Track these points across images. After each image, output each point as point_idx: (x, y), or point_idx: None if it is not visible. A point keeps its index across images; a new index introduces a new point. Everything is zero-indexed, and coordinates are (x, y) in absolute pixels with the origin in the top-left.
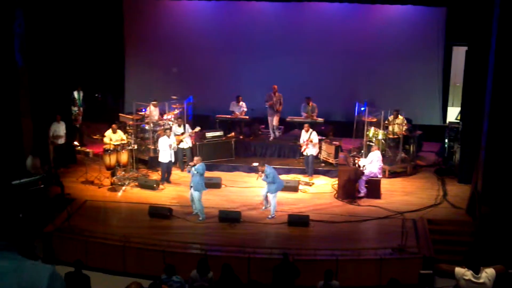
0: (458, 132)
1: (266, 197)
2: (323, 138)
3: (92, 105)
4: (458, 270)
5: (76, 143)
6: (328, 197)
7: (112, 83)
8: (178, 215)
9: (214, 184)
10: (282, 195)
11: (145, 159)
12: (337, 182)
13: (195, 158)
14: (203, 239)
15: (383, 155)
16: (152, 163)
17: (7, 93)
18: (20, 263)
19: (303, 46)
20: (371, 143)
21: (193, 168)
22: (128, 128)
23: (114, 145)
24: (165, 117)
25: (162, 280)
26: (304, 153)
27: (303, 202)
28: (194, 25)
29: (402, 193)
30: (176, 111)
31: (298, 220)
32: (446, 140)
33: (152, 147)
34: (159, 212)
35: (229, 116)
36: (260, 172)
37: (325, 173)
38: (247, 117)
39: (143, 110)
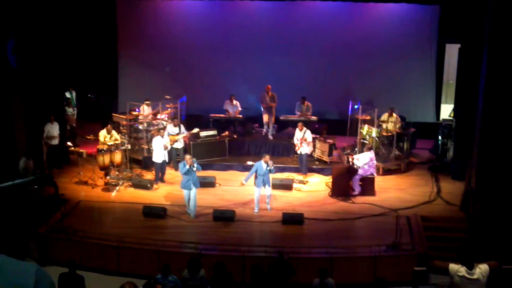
0: (452, 129)
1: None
2: (317, 136)
3: (85, 105)
4: (452, 266)
5: (69, 143)
6: (322, 195)
7: (105, 83)
8: (172, 215)
9: (208, 183)
10: (277, 193)
11: (139, 159)
12: (331, 180)
13: (187, 157)
14: (198, 238)
15: (377, 153)
16: (146, 163)
17: (0, 94)
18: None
19: (297, 44)
20: (365, 141)
21: (195, 165)
22: (121, 128)
23: (108, 145)
24: (158, 116)
25: (157, 280)
26: (298, 152)
27: (298, 200)
28: (187, 24)
29: (396, 190)
30: (169, 111)
31: (292, 218)
32: (440, 137)
33: (146, 147)
34: (153, 212)
35: (223, 115)
36: (271, 162)
37: (319, 171)
38: (241, 116)
39: (137, 110)
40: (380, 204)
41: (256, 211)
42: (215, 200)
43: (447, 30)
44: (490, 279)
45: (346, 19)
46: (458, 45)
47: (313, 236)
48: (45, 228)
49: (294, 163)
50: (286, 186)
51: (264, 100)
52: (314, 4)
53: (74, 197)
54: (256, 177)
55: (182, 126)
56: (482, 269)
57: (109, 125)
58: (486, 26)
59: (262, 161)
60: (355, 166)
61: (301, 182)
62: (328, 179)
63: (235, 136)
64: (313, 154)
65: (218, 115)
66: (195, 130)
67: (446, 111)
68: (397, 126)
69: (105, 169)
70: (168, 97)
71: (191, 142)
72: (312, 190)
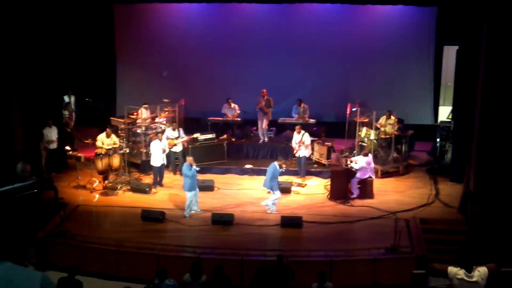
0: (450, 131)
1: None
2: (315, 139)
3: (83, 110)
4: (451, 269)
5: (67, 147)
6: (321, 198)
7: (103, 87)
8: (171, 219)
9: (206, 187)
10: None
11: (137, 162)
12: (329, 183)
13: (191, 158)
14: (196, 242)
15: (375, 155)
16: (145, 166)
17: None
18: (11, 271)
19: (295, 47)
20: (363, 144)
21: (195, 168)
22: (119, 132)
23: (106, 149)
24: (157, 120)
25: (155, 285)
26: (297, 155)
27: (296, 203)
28: (185, 28)
29: (394, 193)
30: (166, 113)
31: (291, 222)
32: (438, 139)
33: (144, 151)
34: (152, 216)
35: (221, 118)
36: (284, 166)
37: (317, 174)
38: (239, 119)
39: (135, 114)
40: (378, 207)
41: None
42: (213, 203)
43: (445, 32)
44: (489, 281)
45: (344, 22)
46: (456, 47)
47: (312, 239)
48: (44, 233)
49: (292, 166)
50: (285, 189)
51: (259, 103)
52: (311, 6)
53: (73, 201)
54: (271, 180)
55: (181, 130)
56: (481, 271)
57: (108, 129)
58: (484, 28)
59: (276, 164)
60: (353, 169)
61: (300, 185)
62: (327, 182)
63: (233, 140)
64: (311, 157)
65: (216, 118)
66: (196, 135)
67: (444, 113)
68: (395, 128)
69: (104, 173)
70: (166, 100)
71: (190, 146)
72: (310, 193)
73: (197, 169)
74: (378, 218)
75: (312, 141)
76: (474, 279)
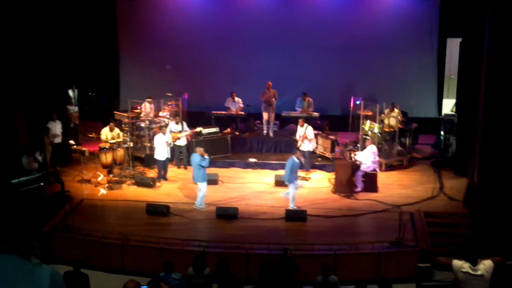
0: (454, 124)
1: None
2: (319, 132)
3: (87, 104)
4: (456, 262)
5: (72, 142)
6: (325, 192)
7: (107, 81)
8: (175, 212)
9: (211, 181)
10: (280, 190)
11: (141, 156)
12: (334, 176)
13: (201, 149)
14: (201, 235)
15: (379, 149)
16: (148, 160)
17: (2, 93)
18: (20, 266)
19: (298, 40)
20: (367, 137)
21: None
22: (123, 126)
23: (110, 143)
24: (160, 114)
25: (161, 278)
26: (300, 148)
27: (300, 197)
28: (188, 21)
29: (398, 186)
30: (171, 107)
31: (295, 215)
32: (442, 132)
33: (148, 145)
34: (157, 210)
35: (224, 112)
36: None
37: (321, 167)
38: (243, 113)
39: (139, 108)
40: (383, 201)
41: (292, 206)
42: (217, 197)
43: (448, 24)
44: (494, 275)
45: (347, 14)
46: (460, 40)
47: (316, 233)
48: (49, 227)
49: None
50: None
51: (264, 95)
52: None
53: (77, 195)
54: (291, 173)
55: (184, 124)
56: (486, 265)
57: (111, 123)
58: (487, 20)
59: (294, 158)
60: (357, 162)
61: (304, 178)
62: (331, 175)
63: (237, 133)
64: (315, 151)
65: (220, 112)
66: (198, 129)
67: (448, 106)
68: (399, 121)
69: (108, 167)
70: (169, 94)
71: (193, 140)
72: (314, 187)
73: (211, 157)
74: (382, 212)
75: (316, 135)
76: (479, 272)
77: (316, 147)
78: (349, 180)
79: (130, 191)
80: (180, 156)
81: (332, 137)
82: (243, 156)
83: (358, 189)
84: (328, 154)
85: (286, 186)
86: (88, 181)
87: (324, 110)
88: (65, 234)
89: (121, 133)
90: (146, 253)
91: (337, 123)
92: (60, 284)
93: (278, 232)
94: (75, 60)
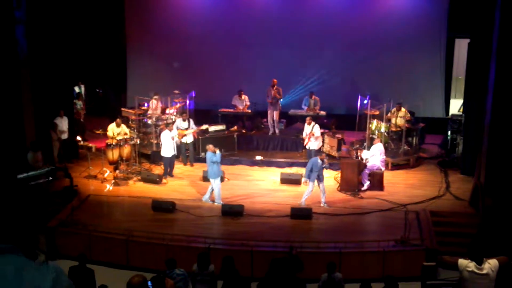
0: (461, 124)
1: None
2: (326, 131)
3: (94, 100)
4: (461, 261)
5: (78, 138)
6: (331, 190)
7: (114, 77)
8: (181, 209)
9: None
10: (285, 188)
11: (147, 153)
12: (340, 175)
13: (210, 146)
14: (206, 232)
15: (386, 148)
16: (155, 157)
17: (10, 88)
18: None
19: (306, 39)
20: (373, 136)
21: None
22: (130, 122)
23: (117, 139)
24: (167, 111)
25: (165, 274)
26: (307, 147)
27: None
28: (196, 18)
29: (405, 185)
30: (178, 105)
31: (301, 213)
32: (449, 132)
33: (155, 142)
34: (162, 206)
35: (231, 110)
36: (326, 159)
37: (328, 166)
38: (249, 111)
39: (146, 104)
40: (389, 199)
41: (302, 202)
42: (223, 194)
43: (456, 24)
44: (500, 274)
45: (355, 14)
46: (468, 40)
47: (321, 231)
48: (55, 222)
49: (302, 158)
50: (295, 180)
51: (270, 94)
52: None
53: (84, 191)
54: (311, 172)
55: (191, 121)
56: (491, 264)
57: (118, 119)
58: (496, 20)
59: (318, 158)
60: (364, 160)
61: None
62: (337, 174)
63: (243, 131)
64: (321, 149)
65: (226, 110)
66: (204, 126)
67: (456, 106)
68: (406, 120)
69: (114, 164)
70: (176, 91)
71: (200, 137)
72: None
73: (221, 154)
74: (388, 210)
75: (323, 133)
76: (484, 272)
77: (323, 146)
78: (355, 178)
79: (136, 188)
80: (186, 153)
81: (339, 135)
82: (249, 154)
83: (364, 187)
84: (334, 153)
85: (293, 184)
86: (95, 177)
87: (330, 109)
88: (71, 230)
89: (127, 130)
90: (151, 249)
91: (344, 122)
92: (65, 284)
93: (284, 229)
94: (83, 56)
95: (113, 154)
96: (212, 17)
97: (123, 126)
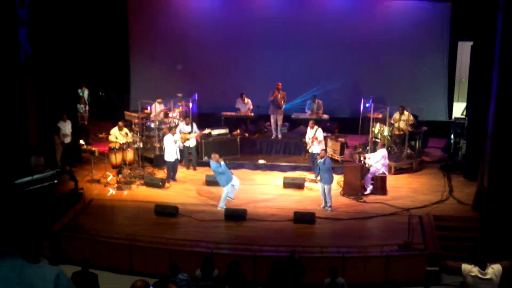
0: (464, 127)
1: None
2: (329, 134)
3: (97, 104)
4: (465, 266)
5: (81, 141)
6: (334, 194)
7: (117, 81)
8: (184, 213)
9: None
10: (288, 192)
11: (150, 157)
12: (342, 179)
13: (215, 156)
14: (209, 237)
15: (389, 152)
16: (158, 161)
17: (13, 92)
18: (24, 269)
19: (309, 42)
20: (376, 140)
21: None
22: (133, 126)
23: (120, 143)
24: (170, 115)
25: (170, 278)
26: (310, 150)
27: (309, 199)
28: (199, 22)
29: (408, 190)
30: (181, 109)
31: (304, 218)
32: (452, 136)
33: (158, 145)
34: (165, 211)
35: (234, 113)
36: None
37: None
38: (252, 114)
39: (149, 107)
40: (392, 204)
41: (322, 206)
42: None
43: (459, 27)
44: (503, 279)
45: (357, 17)
46: (471, 43)
47: (324, 236)
48: (58, 227)
49: (305, 162)
50: (298, 185)
51: (275, 98)
52: (325, 1)
53: (87, 195)
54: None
55: (194, 125)
56: (495, 269)
57: (120, 122)
58: (499, 23)
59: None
60: (367, 165)
61: (313, 181)
62: (340, 178)
63: (246, 135)
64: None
65: (229, 113)
66: (207, 130)
67: (459, 109)
68: (409, 124)
69: (118, 168)
70: (179, 95)
71: (203, 140)
72: None
73: (226, 163)
74: (391, 215)
75: (325, 137)
76: (488, 277)
77: (326, 150)
78: (358, 182)
79: (139, 192)
80: (189, 157)
81: (342, 139)
82: (252, 158)
83: (367, 191)
84: (337, 157)
85: (296, 188)
86: (98, 181)
87: (334, 113)
88: (74, 234)
89: (129, 133)
90: (154, 254)
91: (347, 126)
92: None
93: (287, 234)
94: (86, 60)
95: (116, 158)
96: (215, 20)
97: (126, 130)
